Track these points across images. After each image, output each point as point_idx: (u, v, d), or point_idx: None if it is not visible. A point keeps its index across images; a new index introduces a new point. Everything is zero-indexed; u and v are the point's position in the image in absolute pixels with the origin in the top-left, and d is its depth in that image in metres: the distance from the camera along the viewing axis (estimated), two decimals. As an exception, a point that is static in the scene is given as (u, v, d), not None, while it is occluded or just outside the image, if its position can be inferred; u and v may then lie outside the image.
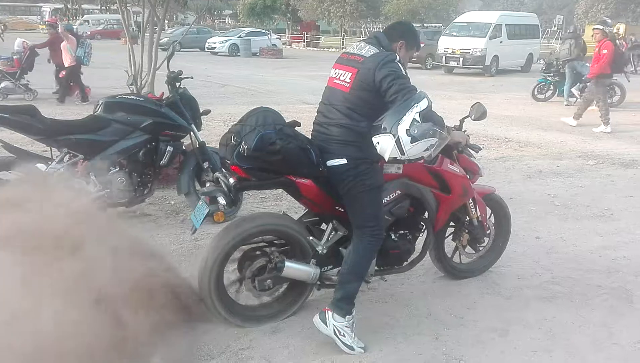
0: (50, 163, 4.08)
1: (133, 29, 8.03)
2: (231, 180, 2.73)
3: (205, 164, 4.57)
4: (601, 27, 9.67)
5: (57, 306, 2.40)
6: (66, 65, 10.39)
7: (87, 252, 2.66)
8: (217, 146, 4.25)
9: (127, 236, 3.00)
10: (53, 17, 19.41)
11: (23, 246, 2.57)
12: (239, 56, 27.74)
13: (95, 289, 2.60)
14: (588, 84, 10.06)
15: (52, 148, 4.17)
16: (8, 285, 2.41)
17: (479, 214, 3.50)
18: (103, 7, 7.50)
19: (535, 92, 13.11)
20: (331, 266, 3.03)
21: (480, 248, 3.67)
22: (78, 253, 2.65)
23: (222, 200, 2.73)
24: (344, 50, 3.19)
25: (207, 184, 3.22)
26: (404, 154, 2.59)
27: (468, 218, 3.49)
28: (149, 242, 3.17)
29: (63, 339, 2.35)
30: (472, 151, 3.43)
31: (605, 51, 9.27)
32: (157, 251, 3.14)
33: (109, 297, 2.63)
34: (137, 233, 3.13)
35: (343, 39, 35.76)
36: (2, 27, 11.74)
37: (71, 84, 10.70)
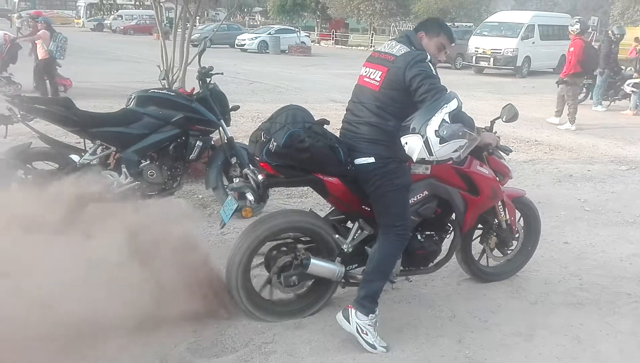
0: (83, 154, 4.17)
1: (165, 24, 8.14)
2: (260, 177, 2.76)
3: (233, 160, 4.61)
4: (569, 26, 9.65)
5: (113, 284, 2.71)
6: (39, 58, 10.20)
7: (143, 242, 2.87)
8: (245, 142, 4.30)
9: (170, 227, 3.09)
10: (39, 9, 19.26)
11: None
12: (268, 53, 27.91)
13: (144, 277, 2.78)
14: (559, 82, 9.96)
15: (86, 140, 4.26)
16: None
17: (508, 217, 3.45)
18: (137, 3, 7.61)
19: (568, 95, 12.83)
20: (356, 265, 3.03)
21: (509, 252, 3.63)
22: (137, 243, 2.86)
23: (250, 196, 2.76)
24: (375, 48, 3.18)
25: (235, 179, 3.27)
26: (432, 155, 2.58)
27: (497, 221, 3.46)
28: (187, 233, 3.25)
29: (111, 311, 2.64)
30: (502, 153, 3.39)
31: (571, 49, 9.20)
32: (191, 243, 3.21)
33: (154, 284, 2.79)
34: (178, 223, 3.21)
35: (372, 37, 35.60)
36: (25, 22, 11.43)
37: (45, 79, 10.36)
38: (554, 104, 10.08)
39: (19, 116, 4.01)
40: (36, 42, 10.26)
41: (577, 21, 9.72)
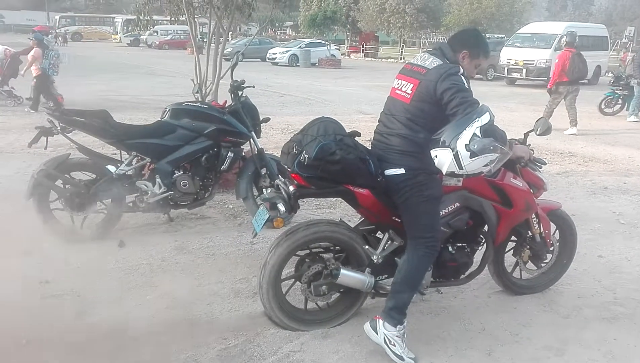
0: (119, 165, 4.29)
1: (199, 39, 8.31)
2: (291, 188, 2.79)
3: (263, 171, 4.68)
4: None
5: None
6: (33, 75, 10.21)
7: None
8: (275, 153, 4.35)
9: None
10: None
11: None
12: (299, 66, 28.16)
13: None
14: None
15: (122, 151, 4.39)
16: None
17: (542, 230, 3.41)
18: (172, 18, 7.81)
19: (603, 106, 12.63)
20: (386, 276, 3.03)
21: (542, 265, 3.58)
22: None
23: (281, 207, 2.79)
24: (407, 61, 3.20)
25: (266, 190, 3.31)
26: (462, 169, 2.57)
27: (530, 234, 3.41)
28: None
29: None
30: (536, 166, 3.35)
31: (557, 60, 9.84)
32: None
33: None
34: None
35: (402, 49, 35.61)
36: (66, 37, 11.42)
37: (51, 92, 10.27)
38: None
39: (58, 128, 4.16)
40: (28, 58, 10.34)
41: (565, 34, 10.35)
